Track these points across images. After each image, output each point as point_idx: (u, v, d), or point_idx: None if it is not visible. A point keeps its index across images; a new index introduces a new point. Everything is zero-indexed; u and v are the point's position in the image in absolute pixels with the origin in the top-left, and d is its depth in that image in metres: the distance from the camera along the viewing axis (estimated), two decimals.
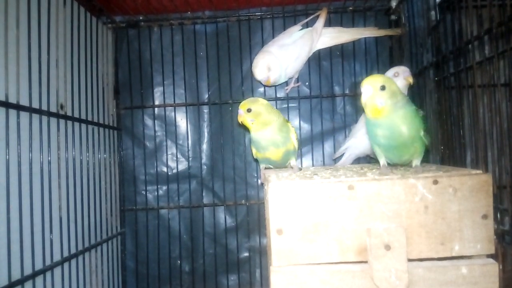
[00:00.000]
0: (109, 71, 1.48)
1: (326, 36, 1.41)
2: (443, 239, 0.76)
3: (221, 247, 1.50)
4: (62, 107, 1.14)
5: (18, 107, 0.93)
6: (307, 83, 1.51)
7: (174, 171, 1.52)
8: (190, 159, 1.52)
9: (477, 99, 0.92)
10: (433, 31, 1.19)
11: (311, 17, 1.43)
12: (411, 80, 1.14)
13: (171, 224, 1.51)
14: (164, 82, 1.52)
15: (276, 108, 1.51)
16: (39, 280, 0.97)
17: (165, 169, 1.52)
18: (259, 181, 1.46)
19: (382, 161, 0.90)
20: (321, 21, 1.38)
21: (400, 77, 1.15)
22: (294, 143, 1.05)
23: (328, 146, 1.50)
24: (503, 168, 0.89)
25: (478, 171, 0.79)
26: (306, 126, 1.51)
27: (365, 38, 1.47)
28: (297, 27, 1.41)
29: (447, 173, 0.78)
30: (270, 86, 1.41)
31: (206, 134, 1.53)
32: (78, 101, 1.22)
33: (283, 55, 1.33)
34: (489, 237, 0.76)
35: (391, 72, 1.19)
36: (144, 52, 1.52)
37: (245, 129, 1.49)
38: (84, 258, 1.21)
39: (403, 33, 1.40)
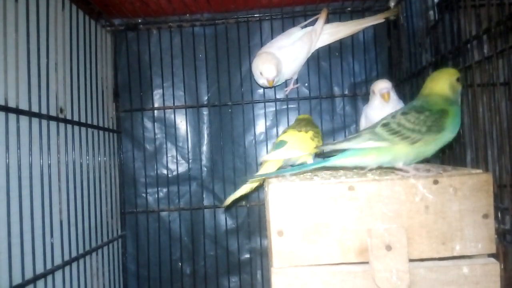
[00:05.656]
0: (108, 74, 1.48)
1: (324, 33, 1.40)
2: (444, 239, 0.76)
3: (222, 249, 1.49)
4: (61, 110, 1.14)
5: (18, 111, 0.93)
6: (306, 84, 1.51)
7: (174, 173, 1.52)
8: (190, 161, 1.52)
9: (477, 99, 0.92)
10: (431, 30, 1.19)
11: (310, 20, 1.43)
12: (387, 97, 1.10)
13: (172, 226, 1.50)
14: (164, 84, 1.52)
15: (276, 109, 1.52)
16: (40, 284, 0.97)
17: (165, 172, 1.52)
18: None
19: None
20: (320, 23, 1.38)
21: (376, 95, 1.13)
22: None
23: None
24: (503, 167, 0.89)
25: (478, 171, 0.79)
26: None
27: (364, 38, 1.47)
28: (297, 28, 1.41)
29: (447, 173, 0.78)
30: (269, 87, 1.41)
31: (206, 136, 1.53)
32: (77, 104, 1.22)
33: (281, 57, 1.33)
34: (490, 237, 0.76)
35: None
36: (143, 55, 1.52)
37: (244, 130, 1.50)
38: (85, 261, 1.21)
39: (399, 10, 1.39)
